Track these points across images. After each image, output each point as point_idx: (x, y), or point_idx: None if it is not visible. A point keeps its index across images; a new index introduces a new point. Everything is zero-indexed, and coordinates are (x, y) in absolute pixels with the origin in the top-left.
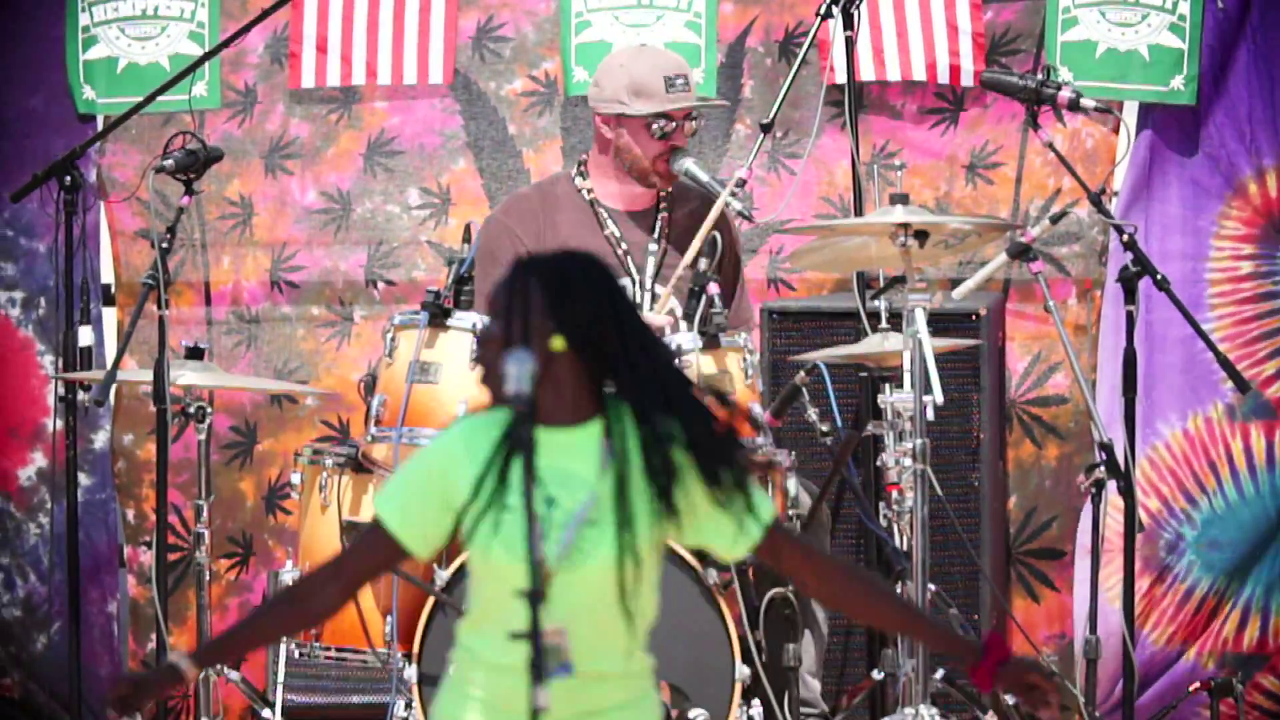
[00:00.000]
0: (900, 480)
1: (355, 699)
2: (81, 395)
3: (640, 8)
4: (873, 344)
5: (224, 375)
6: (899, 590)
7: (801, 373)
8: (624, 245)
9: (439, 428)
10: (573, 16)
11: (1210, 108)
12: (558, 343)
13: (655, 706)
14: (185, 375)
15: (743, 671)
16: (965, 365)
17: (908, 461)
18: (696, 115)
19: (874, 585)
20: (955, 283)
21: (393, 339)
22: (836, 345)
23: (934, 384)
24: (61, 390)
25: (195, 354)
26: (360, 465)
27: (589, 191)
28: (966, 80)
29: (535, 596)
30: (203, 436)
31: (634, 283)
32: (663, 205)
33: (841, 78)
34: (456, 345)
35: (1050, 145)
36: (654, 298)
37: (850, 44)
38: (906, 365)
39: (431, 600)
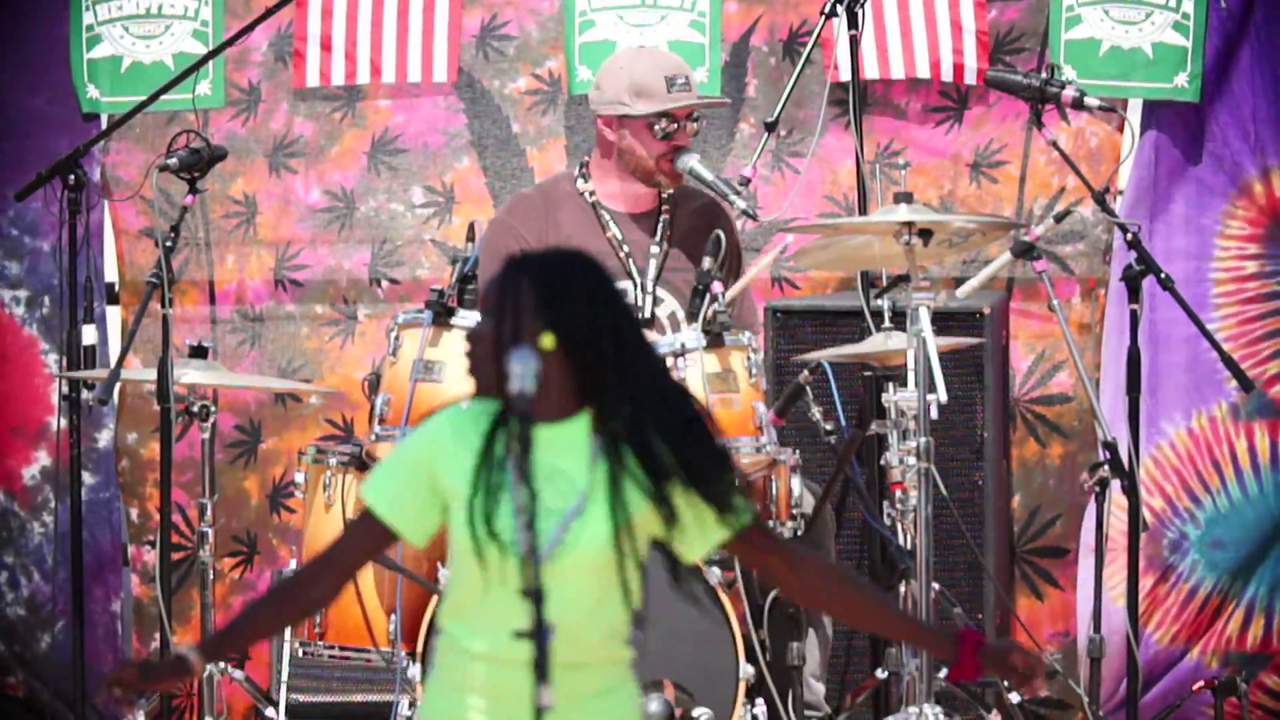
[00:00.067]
0: (904, 479)
1: (359, 697)
2: (85, 394)
3: (644, 7)
4: (876, 343)
5: (228, 374)
6: (902, 589)
7: (805, 372)
8: (626, 247)
9: None
10: (576, 16)
11: (1214, 107)
12: (547, 341)
13: (632, 694)
14: (189, 374)
15: (747, 670)
16: (969, 364)
17: (911, 460)
18: (698, 116)
19: (852, 583)
20: (959, 281)
21: (397, 338)
22: (840, 344)
23: (938, 383)
24: (65, 389)
25: (199, 353)
26: (364, 464)
27: (591, 193)
28: (970, 79)
29: (537, 594)
30: (207, 435)
31: (635, 285)
32: (665, 207)
33: (845, 76)
34: (460, 344)
35: (1054, 144)
36: (655, 299)
37: (854, 43)
38: (910, 364)
39: (435, 598)
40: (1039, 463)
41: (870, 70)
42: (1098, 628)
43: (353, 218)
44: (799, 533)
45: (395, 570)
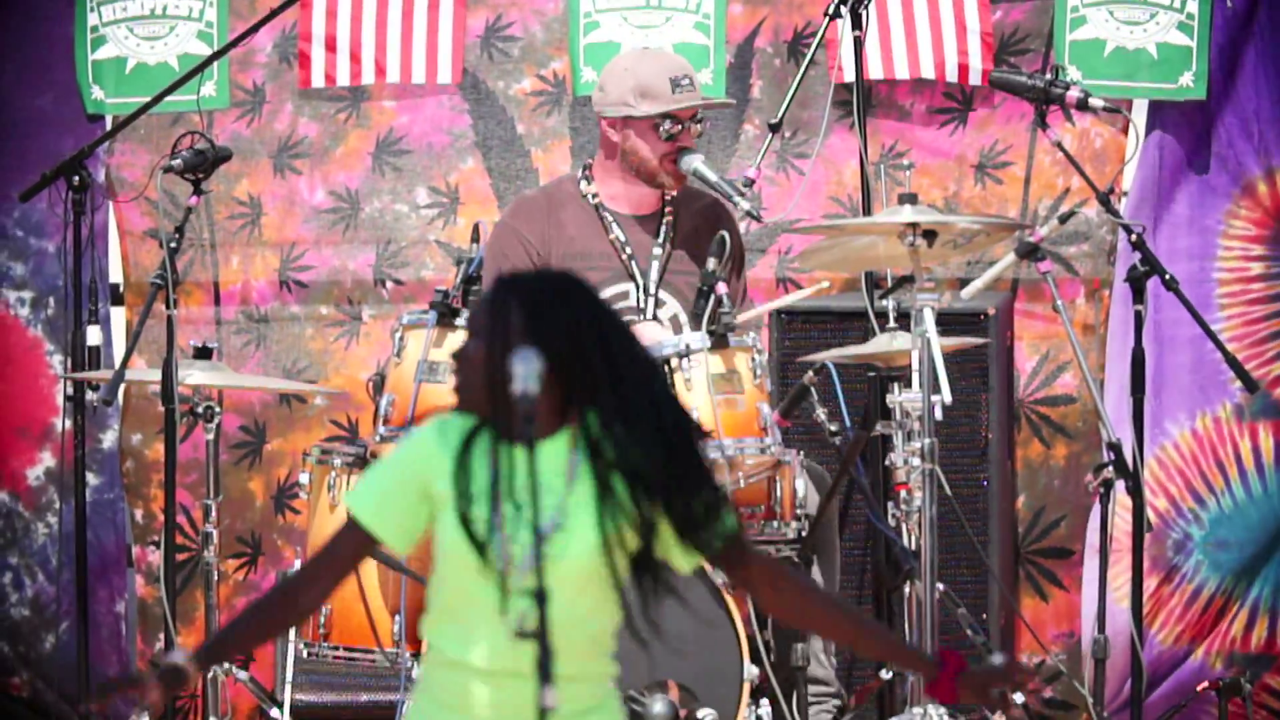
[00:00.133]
0: (909, 480)
1: (364, 698)
2: (90, 395)
3: (649, 9)
4: (881, 344)
5: (233, 375)
6: (907, 590)
7: (810, 372)
8: (629, 249)
9: None
10: (581, 17)
11: (1219, 107)
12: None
13: (618, 709)
14: (194, 375)
15: (751, 671)
16: (974, 365)
17: (916, 461)
18: (702, 117)
19: (833, 602)
20: (964, 282)
21: (401, 338)
22: (845, 345)
23: (942, 383)
24: (70, 390)
25: (204, 353)
26: (369, 465)
27: (594, 195)
28: (975, 80)
29: (541, 595)
30: (211, 436)
31: (638, 287)
32: (668, 209)
33: (850, 77)
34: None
35: (1059, 145)
36: (658, 301)
37: (859, 44)
38: (915, 365)
39: None
40: (1043, 464)
41: (875, 71)
42: (1102, 628)
43: (357, 219)
44: (803, 533)
45: (399, 571)
